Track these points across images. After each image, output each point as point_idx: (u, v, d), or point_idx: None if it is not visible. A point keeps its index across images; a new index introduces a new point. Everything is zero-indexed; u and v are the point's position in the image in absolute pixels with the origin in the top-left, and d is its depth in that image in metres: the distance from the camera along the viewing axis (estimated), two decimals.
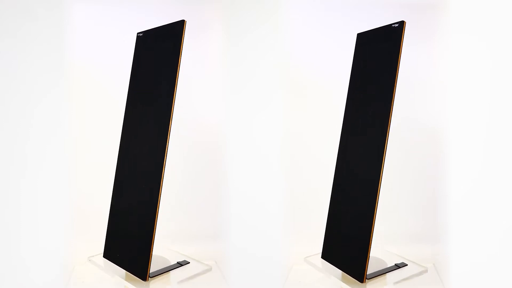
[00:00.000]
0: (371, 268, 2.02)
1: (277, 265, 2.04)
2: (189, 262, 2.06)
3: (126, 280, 1.95)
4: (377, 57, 1.99)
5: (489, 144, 1.93)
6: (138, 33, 2.06)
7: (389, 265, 2.05)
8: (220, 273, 2.10)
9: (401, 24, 1.88)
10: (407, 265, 2.04)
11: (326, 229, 2.11)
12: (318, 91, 2.25)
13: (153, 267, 2.04)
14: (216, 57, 2.17)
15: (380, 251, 2.16)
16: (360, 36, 2.10)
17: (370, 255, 2.12)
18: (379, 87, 1.94)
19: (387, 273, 2.01)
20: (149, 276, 1.91)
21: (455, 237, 1.96)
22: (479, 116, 1.93)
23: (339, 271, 2.01)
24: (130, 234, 1.99)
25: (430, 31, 2.14)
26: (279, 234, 2.03)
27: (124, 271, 1.97)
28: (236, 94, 2.00)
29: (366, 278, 1.91)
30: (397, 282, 1.96)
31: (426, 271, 2.01)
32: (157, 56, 1.97)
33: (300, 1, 2.20)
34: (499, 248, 1.94)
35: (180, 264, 2.05)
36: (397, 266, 2.04)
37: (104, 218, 2.17)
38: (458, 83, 1.94)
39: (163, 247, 2.18)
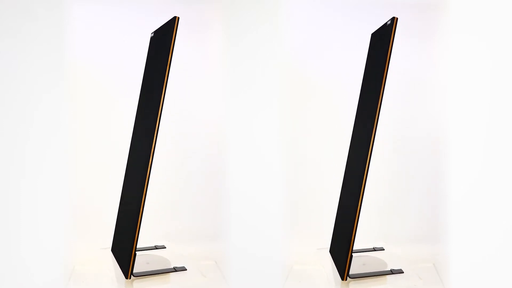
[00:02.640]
0: (368, 269, 2.03)
1: (277, 265, 2.04)
2: (186, 269, 2.05)
3: (126, 281, 1.97)
4: (375, 55, 2.00)
5: (489, 144, 1.93)
6: (151, 33, 2.07)
7: (388, 268, 2.05)
8: (220, 273, 2.10)
9: (392, 20, 1.89)
10: (402, 272, 2.03)
11: (334, 224, 2.13)
12: (318, 91, 2.25)
13: (152, 267, 2.05)
14: (216, 57, 2.17)
15: (386, 253, 2.16)
16: (372, 36, 2.11)
17: (374, 255, 2.13)
18: (373, 85, 1.95)
19: (374, 277, 2.02)
20: (132, 275, 1.95)
21: (455, 237, 1.96)
22: (479, 116, 1.93)
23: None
24: (123, 231, 2.01)
25: (430, 31, 2.14)
26: (279, 234, 2.03)
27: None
28: (237, 94, 2.00)
29: (347, 276, 1.94)
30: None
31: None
32: (156, 53, 1.99)
33: (300, 2, 2.20)
34: (499, 248, 1.94)
35: (175, 270, 2.04)
36: (391, 272, 2.03)
37: (104, 218, 2.18)
38: (458, 83, 1.94)
39: (174, 248, 2.18)
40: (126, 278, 1.95)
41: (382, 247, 2.20)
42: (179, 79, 2.21)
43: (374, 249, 2.19)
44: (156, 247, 2.21)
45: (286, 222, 2.06)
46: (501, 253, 1.94)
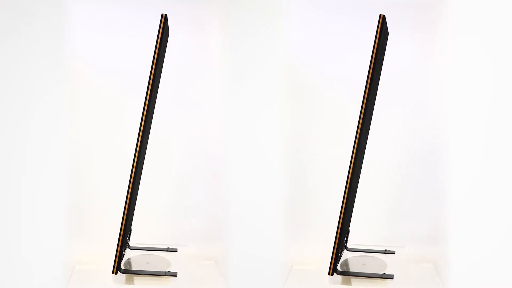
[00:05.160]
0: (365, 269, 2.06)
1: (277, 265, 2.04)
2: (176, 275, 2.04)
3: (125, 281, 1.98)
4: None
5: (489, 144, 1.93)
6: None
7: (387, 270, 2.06)
8: (220, 273, 2.10)
9: (379, 17, 1.90)
10: (392, 278, 2.02)
11: None
12: (318, 91, 2.24)
13: (149, 267, 2.07)
14: (217, 57, 2.17)
15: (395, 256, 2.16)
16: None
17: (378, 257, 2.12)
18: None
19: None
20: (117, 271, 1.99)
21: (455, 237, 1.96)
22: (479, 116, 1.92)
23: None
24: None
25: (430, 31, 2.14)
26: (279, 234, 2.03)
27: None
28: (237, 95, 2.00)
29: (333, 272, 1.97)
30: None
31: None
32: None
33: (301, 3, 2.20)
34: (499, 248, 1.94)
35: (165, 274, 2.04)
36: (381, 276, 2.03)
37: (105, 218, 2.18)
38: (457, 83, 1.94)
39: (183, 249, 2.19)
40: (112, 272, 1.99)
41: (393, 251, 2.20)
42: (179, 79, 2.22)
43: (385, 252, 2.19)
44: (168, 249, 2.21)
45: (286, 222, 2.06)
46: (501, 253, 1.94)
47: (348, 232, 2.16)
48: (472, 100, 1.93)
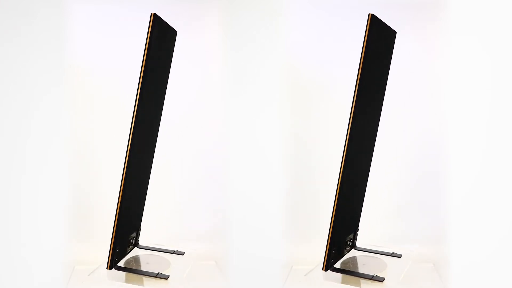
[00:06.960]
0: (363, 269, 2.06)
1: (277, 265, 2.04)
2: (167, 278, 2.03)
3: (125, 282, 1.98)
4: None
5: (489, 144, 1.93)
6: None
7: (383, 272, 2.06)
8: (220, 272, 2.10)
9: (368, 17, 1.90)
10: (381, 281, 2.02)
11: None
12: (318, 91, 2.25)
13: (148, 267, 2.08)
14: (217, 57, 2.17)
15: (400, 259, 2.17)
16: None
17: (379, 256, 2.13)
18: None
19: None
20: (112, 267, 2.00)
21: (455, 237, 1.96)
22: (479, 116, 1.93)
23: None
24: None
25: (430, 31, 2.14)
26: (279, 234, 2.03)
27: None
28: (237, 94, 2.00)
29: (327, 268, 1.99)
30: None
31: None
32: None
33: (301, 2, 2.20)
34: (499, 248, 1.94)
35: (156, 275, 2.04)
36: (372, 277, 2.03)
37: (104, 218, 2.18)
38: (458, 83, 1.94)
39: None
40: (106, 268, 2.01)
41: (400, 254, 2.20)
42: (179, 79, 2.22)
43: (392, 254, 2.19)
44: (175, 252, 2.21)
45: (286, 222, 2.06)
46: (501, 253, 1.94)
47: (356, 231, 2.18)
48: (472, 101, 1.93)
